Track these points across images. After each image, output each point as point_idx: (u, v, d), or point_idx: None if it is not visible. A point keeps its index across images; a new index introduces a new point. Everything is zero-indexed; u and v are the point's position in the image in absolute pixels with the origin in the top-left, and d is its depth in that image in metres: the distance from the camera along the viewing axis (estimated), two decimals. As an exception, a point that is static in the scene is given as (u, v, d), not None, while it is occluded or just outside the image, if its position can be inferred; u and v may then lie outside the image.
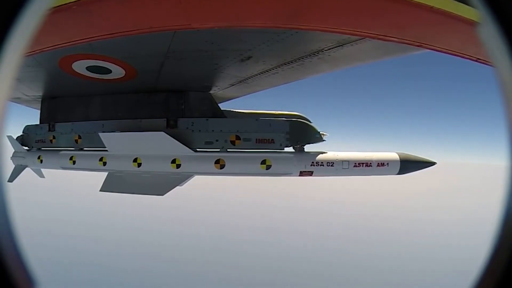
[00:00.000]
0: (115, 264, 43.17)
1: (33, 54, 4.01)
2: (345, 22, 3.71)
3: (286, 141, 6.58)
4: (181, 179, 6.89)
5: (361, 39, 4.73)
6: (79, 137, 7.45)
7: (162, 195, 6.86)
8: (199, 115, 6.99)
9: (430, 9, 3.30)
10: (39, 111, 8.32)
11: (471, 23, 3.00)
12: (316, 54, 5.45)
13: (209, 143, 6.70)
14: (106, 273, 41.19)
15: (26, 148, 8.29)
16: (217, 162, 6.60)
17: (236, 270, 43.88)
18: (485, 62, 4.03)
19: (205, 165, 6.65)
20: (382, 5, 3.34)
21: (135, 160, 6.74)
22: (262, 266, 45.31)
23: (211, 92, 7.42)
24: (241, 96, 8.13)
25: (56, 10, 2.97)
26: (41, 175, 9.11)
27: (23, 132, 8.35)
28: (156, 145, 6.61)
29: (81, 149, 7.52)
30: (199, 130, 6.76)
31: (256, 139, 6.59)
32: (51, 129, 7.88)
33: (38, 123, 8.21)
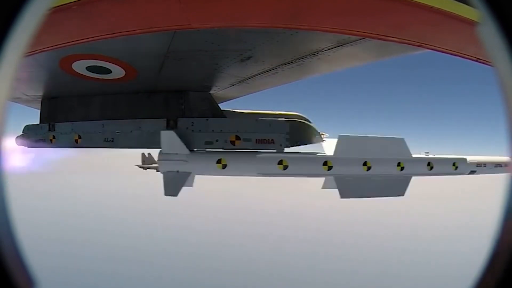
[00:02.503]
0: (114, 266, 43.16)
1: (33, 54, 4.01)
2: (345, 22, 3.71)
3: (286, 141, 6.59)
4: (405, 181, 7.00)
5: (361, 39, 4.73)
6: (79, 137, 7.47)
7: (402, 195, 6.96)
8: (199, 115, 6.99)
9: (430, 9, 3.30)
10: (39, 111, 8.33)
11: (471, 23, 3.00)
12: (316, 54, 5.46)
13: (209, 143, 6.70)
14: (105, 275, 41.20)
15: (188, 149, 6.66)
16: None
17: (235, 275, 43.87)
18: (485, 62, 4.03)
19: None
20: (382, 5, 3.35)
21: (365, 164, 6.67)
22: (262, 268, 45.29)
23: (211, 92, 7.42)
24: (241, 96, 8.13)
25: (56, 10, 2.97)
26: (190, 184, 7.34)
27: (23, 132, 8.35)
28: (387, 150, 6.73)
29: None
30: (199, 130, 6.76)
31: (256, 139, 6.59)
32: (51, 129, 7.88)
33: (38, 123, 8.22)
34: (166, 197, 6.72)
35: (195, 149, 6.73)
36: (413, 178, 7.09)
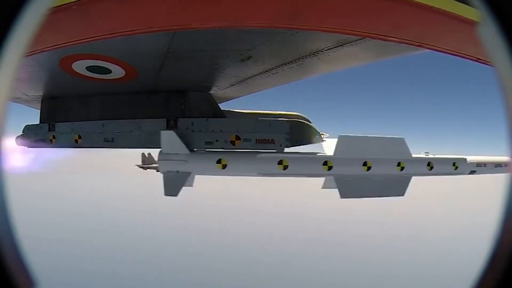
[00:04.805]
0: (114, 266, 43.16)
1: (33, 54, 4.01)
2: (345, 22, 3.71)
3: (286, 142, 6.59)
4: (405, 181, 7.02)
5: (361, 39, 4.74)
6: (79, 137, 7.47)
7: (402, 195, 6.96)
8: (199, 115, 6.98)
9: (430, 9, 3.30)
10: (39, 111, 8.33)
11: (471, 23, 3.00)
12: (316, 54, 5.46)
13: (209, 143, 6.70)
14: (105, 275, 41.20)
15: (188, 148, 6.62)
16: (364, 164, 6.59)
17: (235, 276, 43.85)
18: (485, 62, 4.03)
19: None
20: (382, 5, 3.35)
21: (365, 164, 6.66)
22: (261, 270, 45.28)
23: (211, 92, 7.42)
24: (241, 96, 8.13)
25: (56, 10, 2.97)
26: (190, 184, 7.39)
27: (23, 132, 8.35)
28: (387, 150, 6.73)
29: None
30: (199, 130, 6.76)
31: (256, 139, 6.59)
32: (51, 129, 7.88)
33: (38, 123, 8.22)
34: (166, 197, 6.72)
35: (195, 149, 6.73)
36: (413, 178, 7.10)
